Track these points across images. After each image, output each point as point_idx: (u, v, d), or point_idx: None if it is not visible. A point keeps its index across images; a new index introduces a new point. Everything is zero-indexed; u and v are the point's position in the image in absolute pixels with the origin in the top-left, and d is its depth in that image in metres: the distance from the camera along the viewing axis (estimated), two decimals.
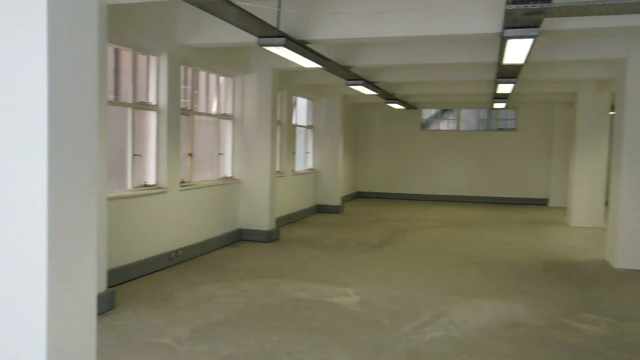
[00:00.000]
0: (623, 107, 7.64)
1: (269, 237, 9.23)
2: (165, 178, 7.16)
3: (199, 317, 5.13)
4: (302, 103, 12.96)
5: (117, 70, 6.80)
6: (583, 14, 4.80)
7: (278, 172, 10.93)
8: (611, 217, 8.02)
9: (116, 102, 6.58)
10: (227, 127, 9.27)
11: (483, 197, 16.51)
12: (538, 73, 9.79)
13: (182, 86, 7.97)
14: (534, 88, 11.81)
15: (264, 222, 9.26)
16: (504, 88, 9.93)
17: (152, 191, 6.91)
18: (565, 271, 7.45)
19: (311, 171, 13.27)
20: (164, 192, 7.11)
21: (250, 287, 6.26)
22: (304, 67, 8.22)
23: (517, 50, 6.21)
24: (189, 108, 8.07)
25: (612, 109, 13.52)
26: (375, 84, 10.88)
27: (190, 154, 8.07)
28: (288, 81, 10.97)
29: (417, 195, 17.02)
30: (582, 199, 11.69)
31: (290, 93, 11.31)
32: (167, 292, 5.97)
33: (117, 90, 6.78)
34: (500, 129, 16.70)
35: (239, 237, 9.28)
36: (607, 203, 13.99)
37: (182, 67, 7.66)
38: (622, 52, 7.62)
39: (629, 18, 5.69)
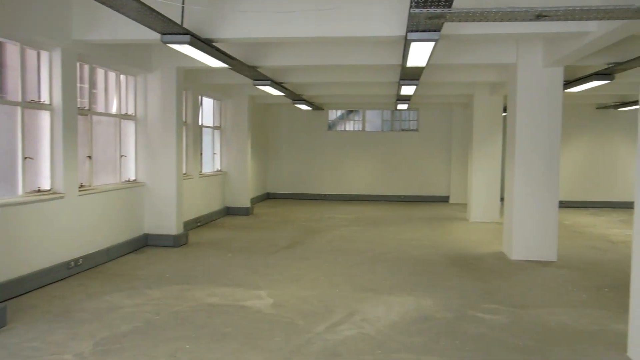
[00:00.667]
0: (514, 109, 8.18)
1: (177, 242, 8.91)
2: (61, 182, 6.68)
3: (104, 329, 4.83)
4: (208, 103, 12.67)
5: (2, 66, 6.25)
6: (480, 20, 5.06)
7: (185, 174, 10.60)
8: (506, 213, 8.56)
9: (2, 100, 6.04)
10: (130, 128, 8.83)
11: (388, 196, 17.04)
12: (438, 76, 10.25)
13: (79, 84, 7.49)
14: (434, 90, 12.35)
15: (171, 226, 8.93)
16: (407, 90, 10.30)
17: (47, 197, 6.42)
18: (468, 264, 7.84)
19: (219, 173, 13.01)
20: (61, 198, 6.63)
21: (158, 295, 5.99)
22: (210, 67, 8.04)
23: (419, 53, 6.44)
24: (87, 108, 7.59)
25: (505, 110, 14.50)
26: (282, 84, 10.87)
27: (90, 157, 7.60)
28: (193, 80, 10.67)
29: (325, 195, 17.23)
30: (480, 195, 12.39)
31: (196, 93, 11.00)
32: (67, 305, 5.56)
33: (2, 88, 6.23)
34: (404, 130, 17.33)
35: (145, 243, 8.88)
36: (502, 199, 14.99)
37: (78, 64, 7.19)
38: (512, 57, 8.15)
39: (519, 25, 6.10)
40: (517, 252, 8.16)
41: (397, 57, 8.14)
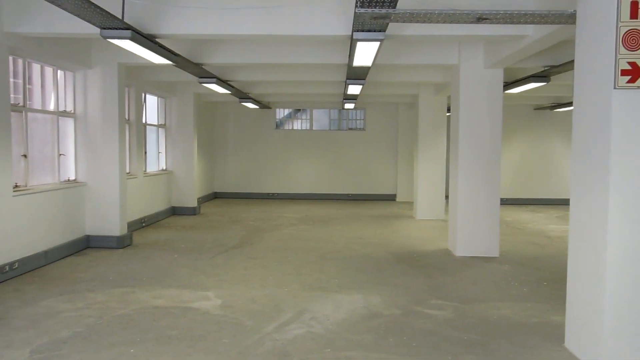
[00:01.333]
0: (457, 108, 8.39)
1: (121, 243, 8.64)
2: None
3: (41, 336, 4.62)
4: (152, 101, 12.35)
5: None
6: (423, 21, 5.16)
7: (128, 173, 10.30)
8: (451, 210, 8.77)
9: None
10: (69, 125, 8.49)
11: (336, 195, 17.14)
12: (384, 75, 10.39)
13: (13, 80, 7.14)
14: (380, 90, 12.51)
15: (114, 227, 8.65)
16: (354, 89, 10.38)
17: None
18: (414, 261, 7.99)
19: (165, 172, 12.71)
20: None
21: (101, 298, 5.79)
22: (153, 63, 7.83)
23: (365, 53, 6.50)
24: (21, 104, 7.23)
25: (449, 110, 14.87)
26: (229, 82, 10.73)
27: (25, 155, 7.25)
28: (136, 77, 10.37)
29: (273, 194, 17.16)
30: (425, 193, 12.65)
31: (139, 90, 10.70)
32: (1, 312, 5.28)
33: None
34: (350, 129, 17.47)
35: (86, 245, 8.56)
36: (447, 197, 15.36)
37: (10, 58, 6.85)
38: (455, 58, 8.36)
39: (461, 27, 6.25)
40: (462, 248, 8.38)
41: (343, 56, 8.18)
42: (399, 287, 6.46)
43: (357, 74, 8.78)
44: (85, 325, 4.90)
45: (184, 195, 13.08)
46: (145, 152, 11.51)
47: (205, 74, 9.27)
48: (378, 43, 5.86)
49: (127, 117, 10.26)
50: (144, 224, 10.88)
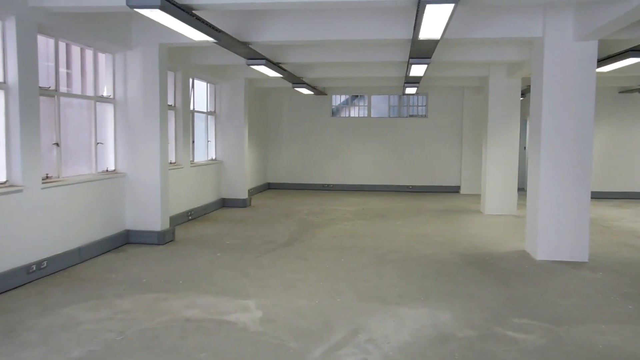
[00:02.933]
0: (540, 89, 7.19)
1: (162, 239, 8.02)
2: (19, 173, 5.77)
3: (49, 355, 3.94)
4: (201, 86, 11.72)
5: None
6: None
7: (174, 163, 9.70)
8: (530, 207, 7.59)
9: None
10: (107, 112, 7.91)
11: (395, 186, 16.09)
12: (451, 54, 9.24)
13: (47, 63, 6.57)
14: (445, 71, 11.36)
15: (155, 222, 8.04)
16: (417, 70, 9.29)
17: (1, 190, 5.51)
18: (487, 265, 6.91)
19: (214, 162, 12.08)
20: (19, 191, 5.73)
21: (128, 306, 5.10)
22: (197, 43, 7.10)
23: (435, 21, 5.48)
24: (52, 88, 6.64)
25: (523, 94, 13.47)
26: (280, 65, 9.90)
27: (57, 144, 6.68)
28: (183, 60, 9.71)
29: (328, 185, 16.30)
30: (495, 186, 11.43)
31: (186, 74, 10.05)
32: (15, 321, 4.67)
33: None
34: (412, 116, 16.33)
35: (125, 240, 7.99)
36: (520, 190, 14.02)
37: (42, 39, 6.26)
38: (538, 30, 7.15)
39: None
40: (543, 251, 7.21)
41: (407, 31, 7.17)
42: (473, 299, 5.43)
43: (423, 51, 7.74)
44: (103, 343, 4.20)
45: (234, 186, 12.43)
46: (193, 141, 10.90)
47: (253, 55, 8.47)
48: (452, 6, 4.84)
49: (173, 103, 9.64)
50: (190, 217, 10.28)
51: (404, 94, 14.90)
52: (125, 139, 7.99)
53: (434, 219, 10.70)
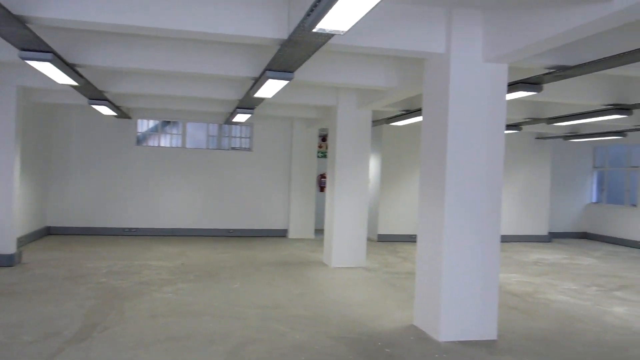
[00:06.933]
0: (444, 120, 5.64)
1: None
2: None
3: None
4: None
5: None
6: None
7: None
8: (425, 272, 5.89)
9: None
10: None
11: (215, 230, 13.61)
12: (307, 74, 7.34)
13: None
14: (289, 97, 9.46)
15: None
16: (268, 89, 7.19)
17: None
18: (386, 357, 4.96)
19: None
20: None
21: None
22: None
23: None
24: None
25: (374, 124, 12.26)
26: (75, 67, 6.92)
27: None
28: None
29: (131, 229, 13.10)
30: (343, 233, 9.76)
31: None
32: None
33: None
34: (234, 148, 14.13)
35: None
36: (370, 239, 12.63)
37: None
38: (440, 45, 5.60)
39: None
40: (448, 330, 5.53)
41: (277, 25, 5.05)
42: None
43: (286, 63, 5.72)
44: None
45: None
46: None
47: (32, 44, 5.48)
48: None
49: None
50: None
51: (227, 122, 12.65)
52: None
53: (278, 278, 8.54)
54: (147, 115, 13.28)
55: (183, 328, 5.64)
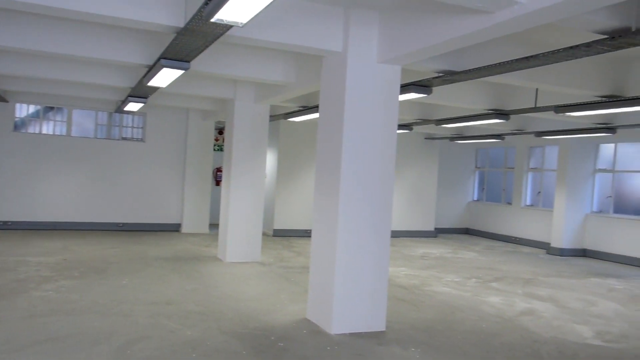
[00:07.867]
0: (340, 119, 5.75)
1: None
2: None
3: None
4: None
5: None
6: None
7: None
8: (319, 265, 6.00)
9: None
10: None
11: (103, 224, 12.91)
12: (205, 65, 7.18)
13: None
14: (186, 87, 9.19)
15: None
16: (163, 78, 6.94)
17: None
18: (282, 353, 4.99)
19: None
20: None
21: None
22: None
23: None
24: None
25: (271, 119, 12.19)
26: None
27: None
28: None
29: (6, 222, 12.06)
30: (239, 228, 9.66)
31: None
32: None
33: None
34: (125, 139, 13.48)
35: None
36: (265, 234, 12.59)
37: None
38: (337, 44, 5.72)
39: None
40: (339, 323, 5.67)
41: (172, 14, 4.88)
42: None
43: (182, 52, 5.56)
44: None
45: None
46: None
47: None
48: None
49: None
50: None
51: (118, 110, 12.03)
52: None
53: (170, 273, 8.29)
54: (27, 99, 12.29)
55: (64, 328, 5.30)
